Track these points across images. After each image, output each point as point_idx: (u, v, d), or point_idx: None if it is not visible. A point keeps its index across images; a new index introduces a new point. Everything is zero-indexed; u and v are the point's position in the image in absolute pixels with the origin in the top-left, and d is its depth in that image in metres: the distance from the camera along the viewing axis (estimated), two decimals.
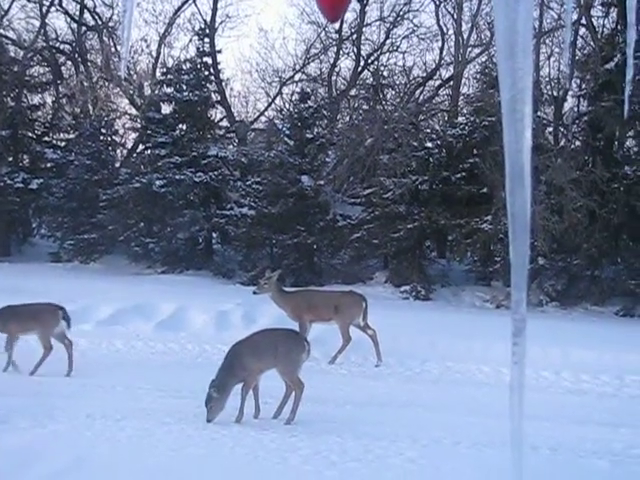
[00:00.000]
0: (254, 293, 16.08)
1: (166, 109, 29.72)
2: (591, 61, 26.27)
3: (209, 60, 30.24)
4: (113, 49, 34.40)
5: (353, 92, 34.52)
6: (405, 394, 12.33)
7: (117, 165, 32.46)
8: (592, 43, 27.89)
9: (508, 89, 1.94)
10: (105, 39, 35.10)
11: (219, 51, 31.83)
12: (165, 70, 30.68)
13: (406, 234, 25.65)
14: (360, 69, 34.53)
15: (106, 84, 34.67)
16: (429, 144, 27.00)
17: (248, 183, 27.87)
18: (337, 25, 33.12)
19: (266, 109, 36.32)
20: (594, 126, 25.39)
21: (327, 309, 15.56)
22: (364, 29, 34.60)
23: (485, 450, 8.94)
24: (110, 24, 35.16)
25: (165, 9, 35.33)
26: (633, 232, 24.80)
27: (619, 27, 26.28)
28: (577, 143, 27.38)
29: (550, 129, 28.95)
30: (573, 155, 25.72)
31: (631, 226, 24.56)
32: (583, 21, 28.24)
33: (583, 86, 28.19)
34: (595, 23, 28.26)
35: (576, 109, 29.36)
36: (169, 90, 29.27)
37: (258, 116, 36.73)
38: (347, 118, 34.71)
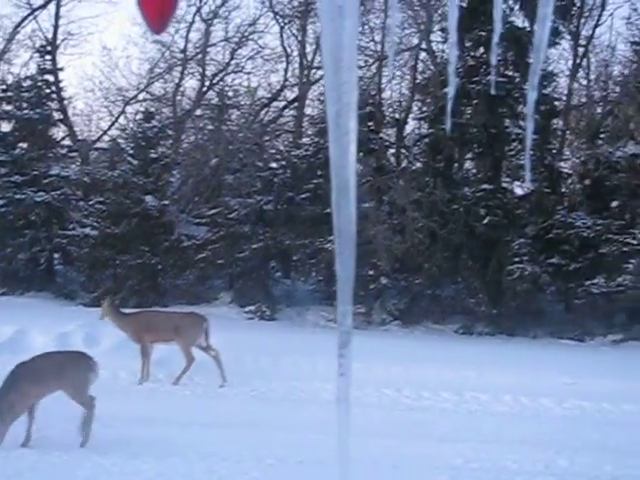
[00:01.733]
0: (100, 319, 15.88)
1: (6, 127, 28.93)
2: (431, 84, 26.93)
3: (51, 78, 29.61)
4: None
5: (198, 112, 34.35)
6: (250, 414, 12.32)
7: None
8: (432, 67, 28.61)
9: (333, 104, 1.97)
10: None
11: (61, 69, 31.20)
12: (5, 87, 29.86)
13: (251, 254, 25.67)
14: (205, 89, 34.43)
15: None
16: (274, 164, 27.15)
17: (91, 203, 27.38)
18: (182, 45, 33.04)
19: (109, 128, 35.75)
20: (434, 148, 26.00)
21: (168, 330, 15.43)
22: (209, 49, 34.56)
23: (329, 467, 8.99)
24: None
25: (4, 24, 34.37)
26: (472, 252, 25.45)
27: (457, 52, 26.99)
28: (418, 165, 27.92)
29: (392, 151, 29.49)
30: (414, 176, 26.27)
31: (470, 246, 25.18)
32: (423, 45, 28.93)
33: (424, 109, 28.84)
34: (435, 48, 29.02)
35: (417, 131, 30.04)
36: (8, 107, 28.53)
37: (101, 135, 36.11)
38: (192, 138, 34.48)
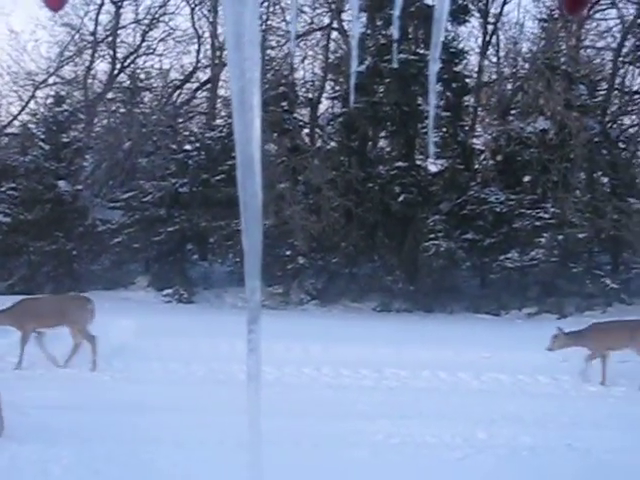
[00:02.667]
0: None
1: None
2: (343, 64, 26.97)
3: None
4: None
5: (110, 95, 33.94)
6: (170, 397, 12.23)
7: None
8: (344, 46, 28.64)
9: (237, 80, 1.97)
10: None
11: None
12: None
13: (167, 237, 25.53)
14: (116, 72, 34.01)
15: None
16: (188, 147, 26.98)
17: (2, 189, 26.88)
18: (92, 27, 32.58)
19: (19, 113, 35.03)
20: (348, 127, 26.08)
21: (53, 316, 15.19)
22: (119, 31, 34.13)
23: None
24: None
25: None
26: (388, 230, 25.66)
27: (369, 31, 27.11)
28: (333, 144, 27.99)
29: (306, 130, 29.49)
30: (329, 156, 26.35)
31: (386, 224, 25.37)
32: (335, 25, 28.93)
33: (337, 88, 28.89)
34: (346, 27, 29.02)
35: (331, 111, 30.07)
36: None
37: (11, 120, 35.37)
38: (104, 121, 34.06)
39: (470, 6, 27.10)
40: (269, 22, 30.87)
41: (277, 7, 30.75)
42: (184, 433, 9.74)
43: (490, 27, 29.45)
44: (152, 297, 24.78)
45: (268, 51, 29.29)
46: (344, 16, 28.99)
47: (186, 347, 15.72)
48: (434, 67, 2.40)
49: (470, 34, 29.95)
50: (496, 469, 9.07)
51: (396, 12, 2.45)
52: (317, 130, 29.69)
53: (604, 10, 31.05)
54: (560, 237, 24.14)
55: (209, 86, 33.68)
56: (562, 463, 9.25)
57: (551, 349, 14.53)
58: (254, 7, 1.92)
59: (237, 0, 1.88)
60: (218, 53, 32.02)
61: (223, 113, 29.82)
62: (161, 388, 13.20)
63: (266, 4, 30.43)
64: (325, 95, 30.39)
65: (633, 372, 14.35)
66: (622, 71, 30.05)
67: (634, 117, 29.45)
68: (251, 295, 2.19)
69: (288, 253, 24.72)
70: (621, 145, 27.65)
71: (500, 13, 29.54)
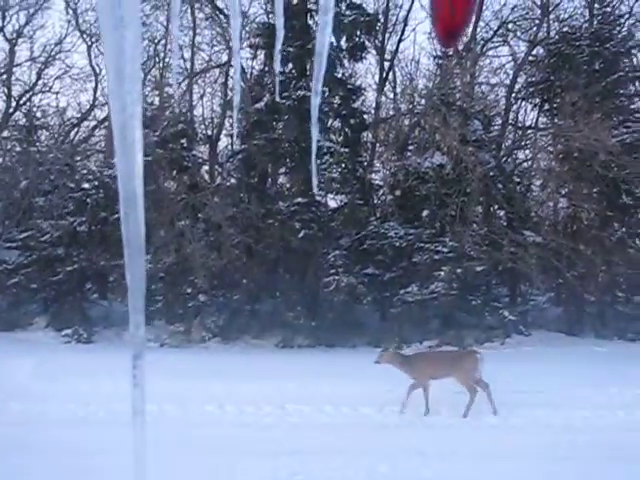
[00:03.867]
0: None
1: None
2: (242, 100, 27.05)
3: None
4: None
5: (5, 134, 33.43)
6: (68, 440, 11.96)
7: None
8: (242, 83, 28.73)
9: (118, 114, 1.97)
10: None
11: None
12: None
13: (66, 277, 25.17)
14: (12, 110, 33.54)
15: None
16: (86, 185, 26.65)
17: None
18: None
19: None
20: (248, 164, 26.11)
21: None
22: (14, 69, 33.70)
23: None
24: None
25: None
26: (289, 266, 25.72)
27: (266, 68, 27.29)
28: (232, 181, 27.99)
29: (206, 168, 29.43)
30: (229, 192, 26.36)
31: (286, 260, 25.43)
32: (232, 62, 29.00)
33: (236, 125, 28.94)
34: (244, 64, 29.15)
35: (230, 147, 30.12)
36: None
37: None
38: (0, 160, 33.56)
39: (367, 43, 27.46)
40: (167, 60, 30.85)
41: (174, 45, 30.59)
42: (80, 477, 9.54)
43: (387, 64, 29.91)
44: (51, 338, 24.34)
45: (166, 88, 29.25)
46: (242, 53, 29.13)
47: (85, 387, 15.46)
48: (316, 100, 2.42)
49: (367, 71, 30.43)
50: None
51: (278, 46, 2.48)
52: (216, 167, 29.67)
53: (497, 47, 31.90)
54: (459, 270, 24.48)
55: (107, 124, 33.42)
56: None
57: (377, 362, 14.78)
58: (135, 41, 1.92)
59: (117, 33, 1.88)
60: None
61: None
62: (57, 430, 12.91)
63: (163, 42, 30.43)
64: (224, 132, 30.47)
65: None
66: (515, 107, 30.78)
67: (527, 151, 30.10)
68: (135, 330, 2.18)
69: (189, 291, 24.61)
70: (516, 179, 28.19)
71: (396, 50, 30.07)
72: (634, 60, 30.71)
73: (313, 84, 2.46)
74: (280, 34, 2.47)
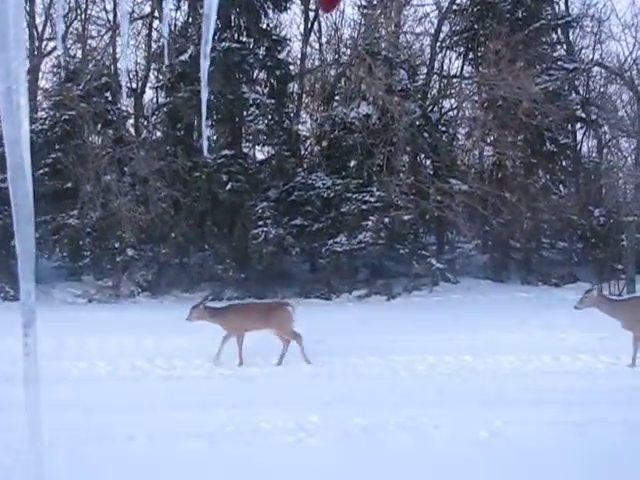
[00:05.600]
0: None
1: None
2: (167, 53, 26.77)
3: None
4: None
5: None
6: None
7: None
8: (166, 35, 28.35)
9: (3, 80, 1.95)
10: None
11: None
12: None
13: None
14: None
15: None
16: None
17: None
18: None
19: None
20: (173, 117, 25.89)
21: None
22: None
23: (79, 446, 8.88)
24: None
25: None
26: (217, 219, 25.65)
27: (190, 20, 27.01)
28: (158, 134, 27.75)
29: (131, 121, 29.10)
30: (155, 146, 26.14)
31: (214, 213, 25.36)
32: (156, 14, 28.61)
33: (160, 77, 28.64)
34: (168, 16, 28.69)
35: (155, 100, 29.79)
36: None
37: None
38: None
39: None
40: (89, 12, 30.33)
41: None
42: (9, 434, 9.47)
43: (312, 14, 29.70)
44: None
45: (89, 41, 28.78)
46: (165, 4, 28.66)
47: (12, 344, 15.26)
48: (205, 63, 2.42)
49: (292, 21, 30.21)
50: (329, 450, 9.21)
51: None
52: (142, 120, 29.35)
53: None
54: (386, 220, 24.69)
55: (29, 77, 32.78)
56: (393, 440, 9.48)
57: (189, 319, 14.63)
58: (18, 7, 1.89)
59: None
60: (37, 43, 31.15)
61: (45, 105, 28.98)
62: None
63: None
64: (149, 85, 30.07)
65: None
66: (440, 56, 30.84)
67: (453, 101, 30.29)
68: (26, 297, 2.16)
69: (117, 245, 24.44)
70: (441, 128, 28.40)
71: None
72: (556, 8, 31.00)
73: (202, 46, 2.45)
74: None
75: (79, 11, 31.31)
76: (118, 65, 28.49)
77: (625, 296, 14.39)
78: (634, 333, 13.92)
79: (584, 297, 14.40)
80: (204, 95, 2.65)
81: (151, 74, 30.14)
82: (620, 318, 13.99)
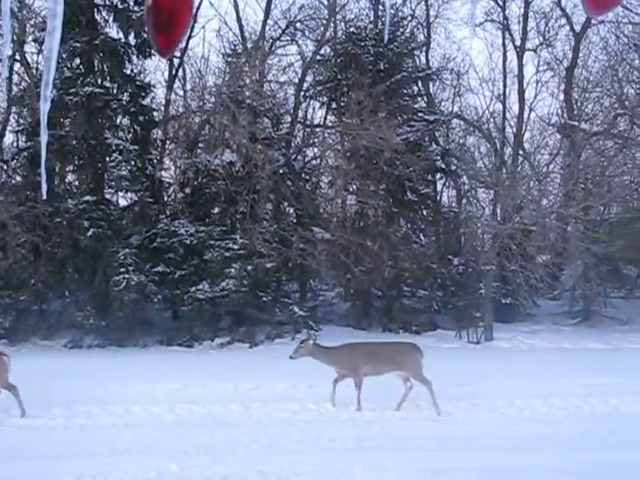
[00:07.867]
0: None
1: None
2: (27, 96, 26.38)
3: None
4: None
5: None
6: None
7: None
8: (27, 79, 27.96)
9: None
10: None
11: None
12: None
13: None
14: None
15: None
16: None
17: None
18: None
19: None
20: (34, 161, 25.43)
21: None
22: None
23: None
24: None
25: None
26: (78, 265, 25.28)
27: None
28: (18, 178, 27.24)
29: None
30: (15, 190, 25.66)
31: (75, 259, 24.97)
32: (17, 57, 28.18)
33: (21, 121, 28.21)
34: (29, 59, 28.36)
35: (15, 144, 29.25)
36: None
37: None
38: None
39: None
40: None
41: None
42: None
43: (176, 61, 29.73)
44: None
45: None
46: (27, 47, 28.36)
47: None
48: (45, 106, 2.45)
49: (157, 67, 30.17)
50: None
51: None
52: (1, 164, 28.77)
53: (285, 46, 32.36)
54: (249, 267, 24.74)
55: None
56: None
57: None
58: None
59: None
60: None
61: None
62: None
63: None
64: (9, 128, 29.53)
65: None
66: (304, 105, 31.29)
67: (316, 149, 30.69)
68: None
69: None
70: (305, 176, 28.72)
71: (186, 47, 29.88)
72: (417, 61, 31.91)
73: (42, 89, 2.48)
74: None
75: None
76: None
77: (337, 344, 14.90)
78: (353, 378, 14.41)
79: (299, 347, 14.77)
80: (44, 138, 2.66)
81: (12, 117, 29.63)
82: (335, 365, 14.58)
